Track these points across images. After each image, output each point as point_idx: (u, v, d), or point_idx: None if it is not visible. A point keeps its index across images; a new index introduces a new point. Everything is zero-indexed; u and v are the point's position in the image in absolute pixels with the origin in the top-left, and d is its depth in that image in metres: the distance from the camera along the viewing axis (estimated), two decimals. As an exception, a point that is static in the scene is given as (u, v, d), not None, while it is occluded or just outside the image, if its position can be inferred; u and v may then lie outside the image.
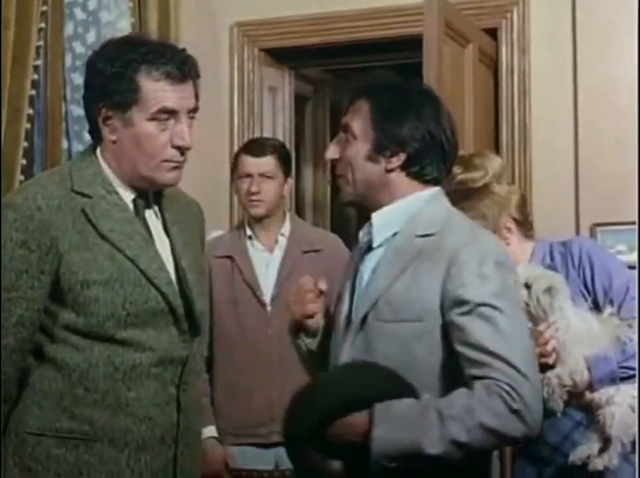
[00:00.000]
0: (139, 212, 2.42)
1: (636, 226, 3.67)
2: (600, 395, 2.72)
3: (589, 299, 2.80)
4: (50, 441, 2.32)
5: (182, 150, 2.38)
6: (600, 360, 2.71)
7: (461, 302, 2.18)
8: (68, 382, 2.32)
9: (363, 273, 2.34)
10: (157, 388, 2.36)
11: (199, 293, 2.46)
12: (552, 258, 2.92)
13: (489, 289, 2.18)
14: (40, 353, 2.35)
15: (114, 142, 2.37)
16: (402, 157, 2.30)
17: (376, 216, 2.33)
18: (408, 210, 2.32)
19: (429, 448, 2.10)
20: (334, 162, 2.37)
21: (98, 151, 2.42)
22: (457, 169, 2.83)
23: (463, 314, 2.17)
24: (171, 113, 2.36)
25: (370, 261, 2.34)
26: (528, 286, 2.70)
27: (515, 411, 2.10)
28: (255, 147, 3.86)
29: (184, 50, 2.46)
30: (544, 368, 2.67)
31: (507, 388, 2.10)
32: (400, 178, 2.32)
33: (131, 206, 2.41)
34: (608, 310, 2.76)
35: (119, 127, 2.35)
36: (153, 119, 2.34)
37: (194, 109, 2.43)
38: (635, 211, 3.72)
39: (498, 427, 2.10)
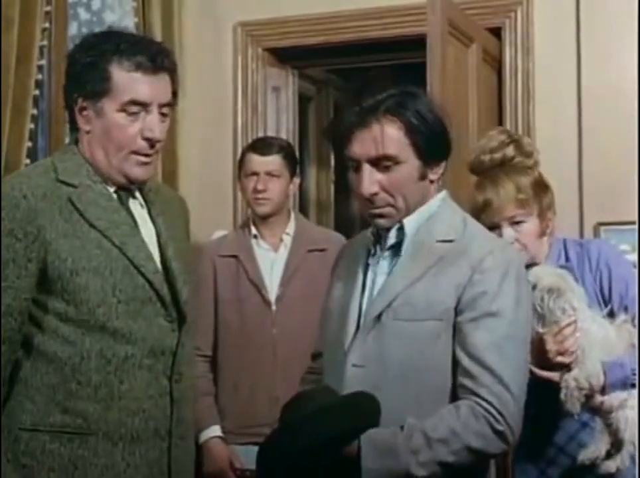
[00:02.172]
0: (123, 202, 2.43)
1: (636, 226, 3.68)
2: (611, 398, 2.73)
3: (605, 309, 2.79)
4: (44, 436, 2.32)
5: (151, 143, 2.38)
6: (616, 366, 2.71)
7: (473, 308, 2.21)
8: (60, 376, 2.32)
9: (377, 274, 2.34)
10: (150, 380, 2.37)
11: (185, 282, 2.47)
12: (567, 258, 2.91)
13: (504, 301, 2.22)
14: (31, 347, 2.34)
15: (88, 132, 2.39)
16: (443, 163, 2.32)
17: (407, 222, 2.31)
18: (426, 213, 2.33)
19: (417, 471, 2.15)
20: (372, 196, 2.27)
21: (79, 143, 2.43)
22: (510, 151, 2.88)
23: (471, 320, 2.21)
24: (142, 105, 2.36)
25: (385, 262, 2.34)
26: (534, 287, 2.71)
27: (498, 432, 2.17)
28: (261, 145, 3.86)
29: (160, 43, 2.48)
30: (560, 367, 2.68)
31: (492, 409, 2.17)
32: (430, 186, 2.34)
33: (115, 196, 2.42)
34: (622, 316, 2.77)
35: (92, 117, 2.38)
36: (122, 110, 2.36)
37: (168, 104, 2.42)
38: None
39: (482, 448, 2.18)
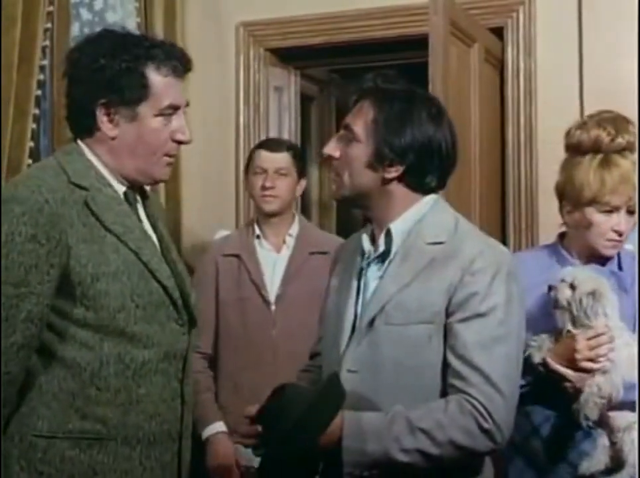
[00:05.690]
0: (131, 205, 2.43)
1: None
2: (618, 417, 2.72)
3: (637, 335, 2.76)
4: (62, 443, 2.30)
5: (181, 144, 2.42)
6: (633, 388, 2.68)
7: (464, 309, 2.22)
8: (79, 382, 2.31)
9: (369, 280, 2.35)
10: (164, 384, 2.38)
11: (190, 285, 2.49)
12: (620, 266, 2.88)
13: (494, 301, 2.23)
14: (48, 353, 2.31)
15: (113, 138, 2.37)
16: (400, 168, 2.31)
17: (394, 227, 2.33)
18: (415, 216, 2.34)
19: (399, 456, 2.16)
20: (331, 159, 2.38)
21: (83, 145, 2.40)
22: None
23: (461, 320, 2.22)
24: (176, 108, 2.39)
25: (377, 267, 2.35)
26: (573, 287, 2.71)
27: (485, 431, 2.18)
28: (271, 143, 3.91)
29: (178, 45, 2.49)
30: (585, 371, 2.66)
31: (480, 407, 2.17)
32: (398, 189, 2.34)
33: (123, 199, 2.42)
34: None
35: (121, 122, 2.36)
36: (160, 114, 2.36)
37: (187, 104, 2.47)
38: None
39: (468, 445, 2.18)
